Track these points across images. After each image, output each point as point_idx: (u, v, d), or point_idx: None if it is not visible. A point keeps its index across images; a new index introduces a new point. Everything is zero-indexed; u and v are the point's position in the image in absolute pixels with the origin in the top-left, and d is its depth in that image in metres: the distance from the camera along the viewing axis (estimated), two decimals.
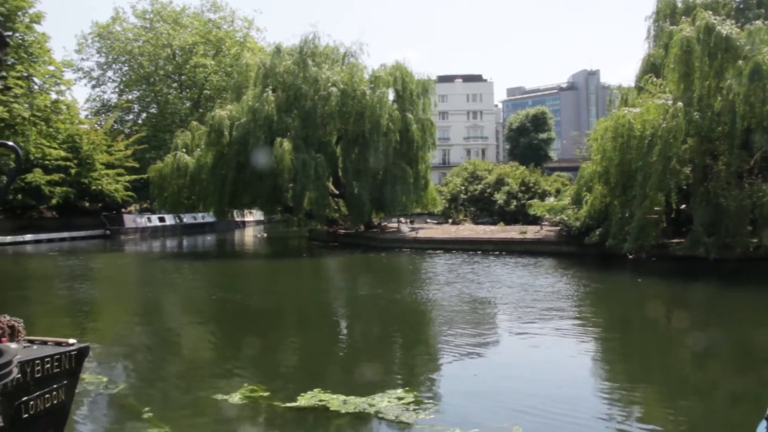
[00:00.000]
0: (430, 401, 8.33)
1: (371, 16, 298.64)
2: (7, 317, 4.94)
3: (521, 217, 39.23)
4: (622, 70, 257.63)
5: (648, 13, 32.70)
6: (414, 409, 7.82)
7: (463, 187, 47.59)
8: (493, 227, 37.96)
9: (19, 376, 3.92)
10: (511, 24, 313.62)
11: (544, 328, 13.82)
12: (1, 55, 2.06)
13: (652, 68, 28.64)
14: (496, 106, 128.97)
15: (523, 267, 25.26)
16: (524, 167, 50.16)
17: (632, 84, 31.11)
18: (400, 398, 8.18)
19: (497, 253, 30.25)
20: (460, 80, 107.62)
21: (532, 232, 32.46)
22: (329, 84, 35.74)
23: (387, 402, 8.03)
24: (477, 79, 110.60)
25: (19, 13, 42.30)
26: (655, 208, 23.86)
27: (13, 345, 4.45)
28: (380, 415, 7.64)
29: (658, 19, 31.57)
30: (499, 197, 44.18)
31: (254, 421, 7.91)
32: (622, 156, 24.37)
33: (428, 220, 48.34)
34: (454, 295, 18.32)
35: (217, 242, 50.49)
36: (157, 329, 15.09)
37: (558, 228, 30.23)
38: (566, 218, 28.60)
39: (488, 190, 45.73)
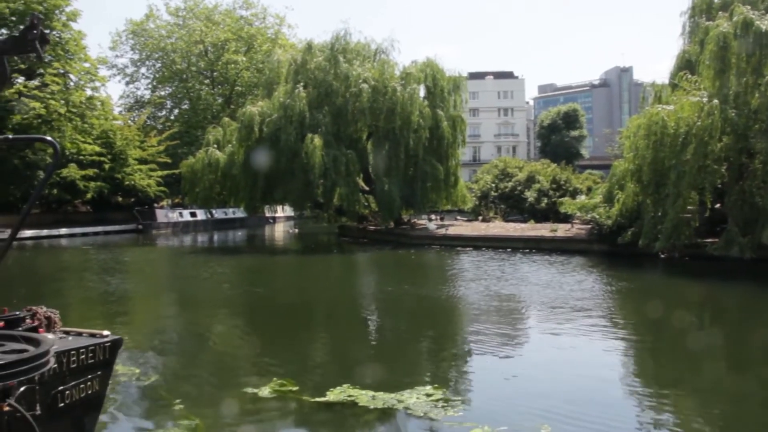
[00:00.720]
0: (459, 398, 8.30)
1: (403, 13, 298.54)
2: (44, 308, 5.02)
3: (552, 215, 38.96)
4: (655, 66, 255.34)
5: (683, 8, 32.33)
6: (442, 406, 7.81)
7: (493, 185, 47.36)
8: (523, 225, 37.74)
9: (56, 366, 3.98)
10: (542, 20, 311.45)
11: (573, 327, 13.72)
12: (41, 53, 2.08)
13: (686, 65, 28.24)
14: (527, 103, 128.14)
15: (554, 265, 25.09)
16: (555, 165, 49.75)
17: (666, 81, 30.64)
18: (428, 395, 8.17)
19: (527, 250, 30.08)
20: (491, 77, 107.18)
21: (562, 230, 32.24)
22: (360, 80, 35.79)
23: (416, 398, 8.02)
24: (508, 75, 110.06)
25: (57, 11, 43.13)
26: (689, 207, 23.55)
27: (50, 336, 4.52)
28: (409, 411, 7.64)
29: (693, 15, 31.08)
30: (530, 195, 43.90)
31: (283, 416, 7.96)
32: (655, 154, 24.06)
33: (458, 218, 48.21)
34: (482, 293, 18.27)
35: (248, 237, 50.85)
36: (188, 322, 15.27)
37: (589, 226, 29.96)
38: (598, 216, 28.34)
39: (519, 188, 45.46)
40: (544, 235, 31.69)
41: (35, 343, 3.76)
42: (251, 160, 35.64)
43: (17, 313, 4.74)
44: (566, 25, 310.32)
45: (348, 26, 42.27)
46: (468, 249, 31.95)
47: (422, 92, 39.41)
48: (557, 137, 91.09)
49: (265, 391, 8.34)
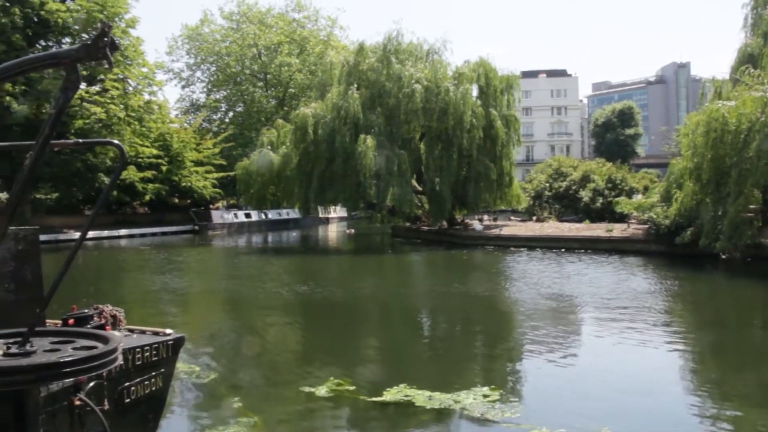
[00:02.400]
0: (515, 399, 8.25)
1: (455, 12, 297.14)
2: (110, 307, 5.18)
3: (607, 214, 38.38)
4: (714, 61, 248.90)
5: (745, 0, 31.44)
6: (500, 408, 7.77)
7: (547, 184, 46.86)
8: (578, 225, 37.25)
9: (122, 363, 4.10)
10: (596, 17, 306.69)
11: (631, 328, 13.48)
12: (112, 59, 2.15)
13: (748, 59, 27.50)
14: (581, 101, 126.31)
15: (610, 265, 24.72)
16: (610, 164, 49.03)
17: (726, 76, 29.87)
18: (485, 396, 8.14)
19: (582, 251, 29.69)
20: (544, 75, 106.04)
21: (618, 230, 31.72)
22: (413, 81, 35.79)
23: (473, 399, 8.01)
24: (561, 74, 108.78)
25: (116, 18, 44.19)
26: (751, 206, 22.90)
27: (118, 333, 4.64)
28: (466, 412, 7.64)
29: (756, 6, 30.24)
30: (585, 194, 43.33)
31: (341, 415, 8.04)
32: (715, 151, 23.45)
33: (512, 218, 47.84)
34: (536, 293, 18.11)
35: (302, 238, 51.29)
36: (244, 321, 15.51)
37: (646, 226, 29.41)
38: (655, 216, 27.80)
39: (573, 187, 44.90)
40: (600, 236, 31.24)
41: (104, 340, 3.86)
42: (305, 162, 36.00)
43: (86, 311, 4.90)
44: (620, 21, 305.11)
45: (400, 27, 42.46)
46: (522, 249, 31.69)
47: (475, 92, 39.17)
48: (612, 136, 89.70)
49: (321, 390, 8.43)
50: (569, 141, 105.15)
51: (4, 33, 39.59)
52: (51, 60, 2.21)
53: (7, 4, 39.55)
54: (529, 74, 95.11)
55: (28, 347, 3.53)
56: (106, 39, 2.09)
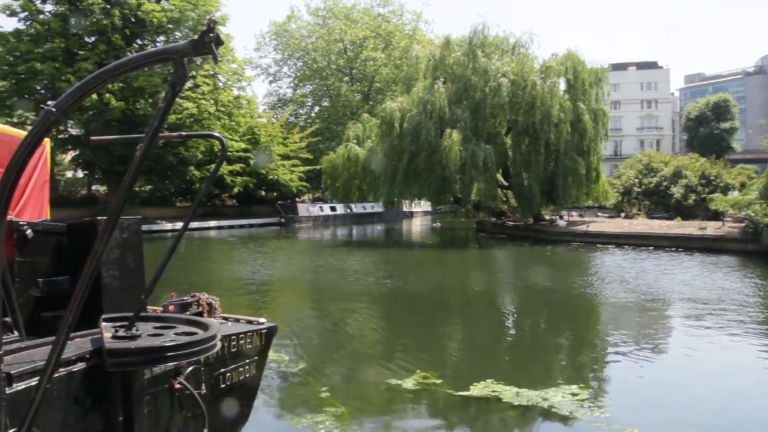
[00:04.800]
0: (604, 399, 8.06)
1: (541, 4, 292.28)
2: (206, 295, 5.35)
3: (700, 212, 37.17)
4: None
5: None
6: (588, 406, 7.63)
7: (636, 180, 45.71)
8: (669, 222, 36.15)
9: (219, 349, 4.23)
10: (689, 6, 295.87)
11: (723, 329, 12.96)
12: (216, 54, 2.23)
13: None
14: (672, 94, 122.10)
15: (702, 265, 23.86)
16: (704, 159, 47.39)
17: None
18: (574, 394, 8.00)
19: (673, 249, 28.78)
20: (634, 68, 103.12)
21: (712, 228, 30.60)
22: (499, 75, 35.47)
23: (561, 397, 7.88)
24: (652, 66, 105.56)
25: (208, 16, 45.47)
26: None
27: (216, 321, 4.80)
28: (554, 410, 7.51)
29: None
30: (676, 191, 42.04)
31: (428, 408, 8.02)
32: None
33: (599, 214, 46.87)
34: (624, 291, 17.65)
35: (386, 231, 51.51)
36: (330, 312, 15.71)
37: (743, 224, 28.27)
38: (753, 214, 26.68)
39: (664, 183, 43.65)
40: (692, 234, 30.20)
41: (204, 327, 4.01)
42: (391, 156, 36.19)
43: (185, 298, 5.08)
44: (716, 10, 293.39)
45: (486, 20, 42.06)
46: (610, 246, 30.96)
47: (562, 85, 38.57)
48: (706, 130, 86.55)
49: (408, 383, 8.45)
50: (659, 135, 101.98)
51: (104, 33, 41.31)
52: (160, 56, 2.30)
53: (108, 7, 41.22)
54: (618, 67, 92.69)
55: (134, 331, 3.71)
56: (211, 35, 2.15)
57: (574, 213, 44.29)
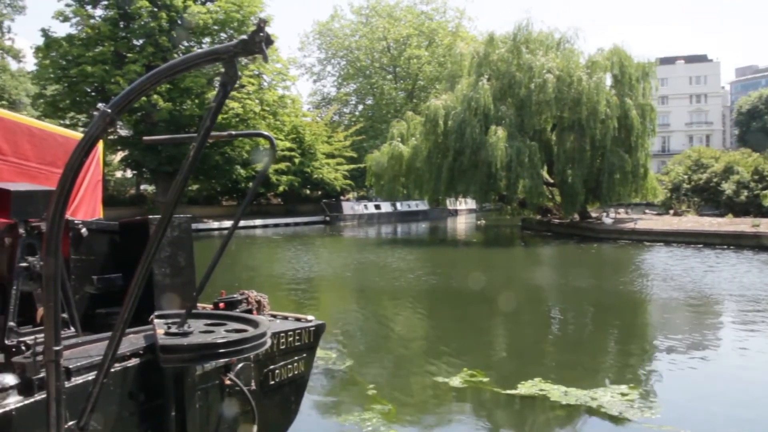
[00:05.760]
0: (655, 399, 7.93)
1: None
2: (254, 293, 5.40)
3: (753, 208, 36.35)
4: None
5: None
6: (638, 407, 7.51)
7: (686, 176, 44.88)
8: (720, 219, 35.41)
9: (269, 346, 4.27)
10: None
11: None
12: (266, 53, 2.24)
13: None
14: (723, 88, 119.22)
15: (756, 263, 23.30)
16: (757, 154, 46.25)
17: None
18: (623, 394, 7.88)
19: (724, 247, 28.16)
20: (682, 61, 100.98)
21: (766, 225, 29.85)
22: (544, 71, 35.14)
23: (610, 397, 7.78)
24: (701, 59, 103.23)
25: (252, 17, 46.04)
26: None
27: (265, 318, 4.86)
28: (603, 410, 7.41)
29: None
30: (728, 187, 41.16)
31: (475, 406, 8.00)
32: None
33: (647, 211, 46.10)
34: (673, 290, 17.33)
35: (431, 229, 51.47)
36: (375, 309, 15.75)
37: None
38: None
39: (715, 180, 42.77)
40: (745, 231, 29.47)
41: (254, 324, 4.06)
42: (435, 153, 36.15)
43: (234, 296, 5.15)
44: None
45: (530, 16, 41.85)
46: (658, 244, 30.45)
47: (609, 80, 37.99)
48: (759, 124, 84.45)
49: (455, 381, 8.44)
50: (709, 130, 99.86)
51: (152, 36, 42.05)
52: (211, 56, 2.32)
53: (155, 10, 41.94)
54: (665, 61, 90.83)
55: (186, 328, 3.77)
56: (262, 34, 2.17)
57: (621, 210, 43.67)
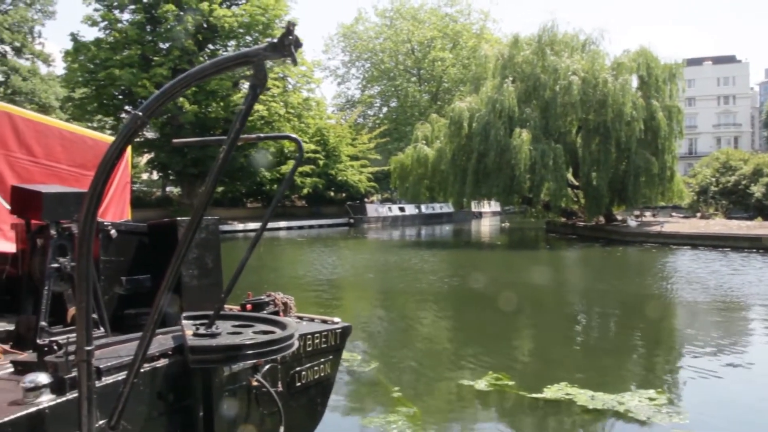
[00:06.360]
0: (684, 405, 7.78)
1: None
2: (281, 294, 5.43)
3: None
4: None
5: None
6: (667, 412, 7.40)
7: (713, 179, 44.43)
8: (748, 222, 34.99)
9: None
10: None
11: None
12: (295, 56, 2.26)
13: None
14: (752, 89, 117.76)
15: None
16: None
17: None
18: (651, 399, 7.77)
19: (753, 250, 27.76)
20: (710, 62, 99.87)
21: None
22: (569, 73, 34.98)
23: (637, 401, 7.68)
24: (729, 60, 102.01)
25: (277, 20, 46.33)
26: None
27: (293, 320, 4.88)
28: (630, 415, 7.32)
29: None
30: (757, 189, 40.69)
31: (500, 409, 7.94)
32: None
33: (673, 214, 45.64)
34: (700, 294, 17.14)
35: (455, 232, 51.34)
36: (399, 312, 15.73)
37: None
38: None
39: (743, 182, 42.31)
40: None
41: (282, 326, 4.08)
42: (459, 156, 36.10)
43: (262, 297, 5.18)
44: None
45: (555, 17, 41.45)
46: (685, 247, 30.10)
47: (635, 82, 37.70)
48: None
49: (481, 384, 8.39)
50: (738, 132, 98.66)
51: (178, 39, 42.44)
52: (241, 59, 2.34)
53: (181, 13, 42.33)
54: (693, 62, 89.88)
55: (214, 329, 3.81)
56: (291, 37, 2.18)
57: (647, 213, 43.29)
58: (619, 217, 40.46)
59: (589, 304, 17.19)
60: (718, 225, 34.64)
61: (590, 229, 39.02)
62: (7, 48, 57.82)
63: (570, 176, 38.68)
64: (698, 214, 41.82)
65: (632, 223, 37.97)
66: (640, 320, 14.43)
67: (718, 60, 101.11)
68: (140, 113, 2.20)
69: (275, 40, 2.22)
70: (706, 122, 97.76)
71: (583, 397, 7.82)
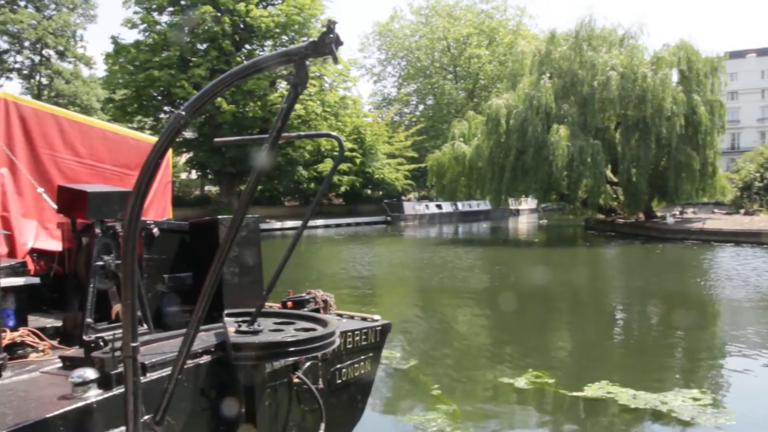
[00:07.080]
0: (729, 405, 7.61)
1: None
2: (321, 292, 5.45)
3: None
4: None
5: None
6: (712, 413, 7.24)
7: (758, 174, 43.50)
8: None
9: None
10: None
11: None
12: (336, 54, 2.27)
13: None
14: None
15: None
16: None
17: None
18: (695, 399, 7.63)
19: None
20: (754, 55, 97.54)
21: None
22: (607, 68, 34.52)
23: (681, 401, 7.54)
24: None
25: (312, 20, 46.53)
26: None
27: (334, 317, 4.91)
28: (674, 415, 7.19)
29: None
30: None
31: (541, 408, 7.87)
32: None
33: (715, 210, 44.81)
34: (744, 291, 16.82)
35: (492, 229, 51.11)
36: (437, 309, 15.73)
37: None
38: None
39: None
40: None
41: (323, 323, 4.10)
42: (497, 153, 35.91)
43: (302, 295, 5.21)
44: None
45: (592, 12, 41.20)
46: (728, 245, 29.49)
47: (675, 77, 37.07)
48: None
49: (520, 382, 8.35)
50: None
51: (216, 40, 42.90)
52: (282, 58, 2.35)
53: (218, 15, 42.77)
54: (735, 54, 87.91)
55: (256, 326, 3.84)
56: (332, 35, 2.19)
57: (689, 210, 42.56)
58: (659, 214, 39.86)
59: (628, 301, 16.99)
60: (763, 221, 33.95)
61: (629, 226, 38.49)
62: (51, 52, 59.07)
63: (609, 173, 38.19)
64: (742, 211, 40.99)
65: (670, 220, 37.37)
66: (682, 318, 14.18)
67: (762, 52, 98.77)
68: (183, 113, 2.22)
69: (316, 39, 2.23)
70: (749, 116, 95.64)
71: (625, 396, 7.73)
